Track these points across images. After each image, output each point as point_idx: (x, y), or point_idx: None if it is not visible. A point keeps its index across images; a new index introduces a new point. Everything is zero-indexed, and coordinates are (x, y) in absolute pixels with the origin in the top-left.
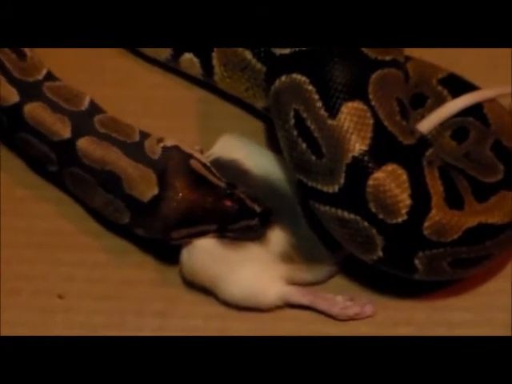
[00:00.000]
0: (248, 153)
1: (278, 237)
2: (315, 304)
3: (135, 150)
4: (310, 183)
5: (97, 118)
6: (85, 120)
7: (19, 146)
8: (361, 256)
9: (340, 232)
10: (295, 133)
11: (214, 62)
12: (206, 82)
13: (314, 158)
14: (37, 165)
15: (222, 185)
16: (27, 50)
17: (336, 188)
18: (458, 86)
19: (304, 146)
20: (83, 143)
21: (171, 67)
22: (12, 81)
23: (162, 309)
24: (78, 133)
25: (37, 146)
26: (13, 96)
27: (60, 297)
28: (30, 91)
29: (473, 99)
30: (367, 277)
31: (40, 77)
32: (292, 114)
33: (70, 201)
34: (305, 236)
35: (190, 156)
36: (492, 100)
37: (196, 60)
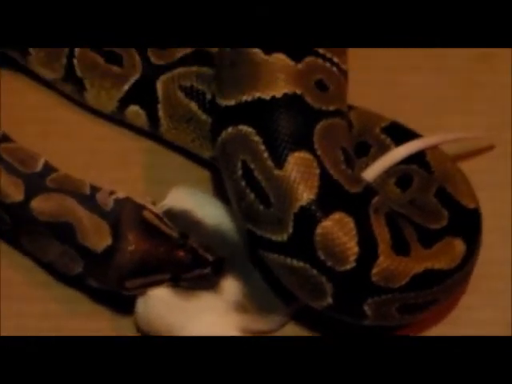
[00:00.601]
0: (199, 203)
1: (231, 286)
2: None
3: (88, 201)
4: (258, 232)
5: (50, 177)
6: (38, 181)
7: None
8: (311, 303)
9: (290, 280)
10: (243, 183)
11: (160, 113)
12: (152, 133)
13: (262, 207)
14: None
15: (175, 235)
16: None
17: (285, 237)
18: (400, 133)
19: (252, 195)
20: (37, 203)
21: (117, 119)
22: None
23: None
24: (31, 194)
25: None
26: None
27: None
28: None
29: (416, 147)
30: (318, 323)
31: None
32: (239, 164)
33: (17, 252)
34: (257, 286)
35: (143, 207)
36: (435, 147)
37: (142, 112)
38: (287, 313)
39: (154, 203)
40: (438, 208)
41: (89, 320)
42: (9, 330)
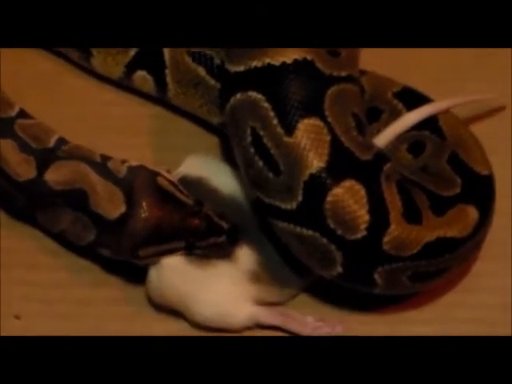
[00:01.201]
0: (215, 171)
1: (246, 255)
2: (286, 325)
3: (101, 168)
4: (267, 200)
5: (61, 149)
6: (49, 154)
7: None
8: (320, 272)
9: (299, 248)
10: (252, 150)
11: (168, 78)
12: (160, 99)
13: (271, 175)
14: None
15: (190, 202)
16: None
17: (294, 205)
18: (412, 99)
19: (261, 163)
20: (50, 174)
21: (124, 85)
22: None
23: (121, 328)
24: (43, 168)
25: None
26: None
27: (17, 317)
28: (1, 127)
29: (428, 112)
30: (327, 292)
31: (13, 113)
32: (249, 131)
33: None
34: (273, 256)
35: (157, 174)
36: (447, 112)
37: (149, 77)
38: (301, 285)
39: (168, 171)
40: (450, 175)
41: (93, 289)
42: (15, 300)
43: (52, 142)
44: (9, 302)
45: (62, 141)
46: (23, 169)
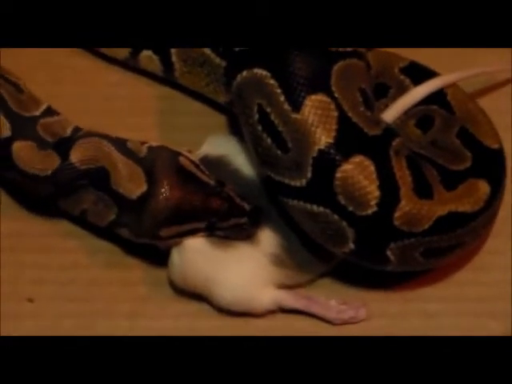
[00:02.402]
0: (237, 152)
1: (268, 238)
2: (309, 308)
3: (122, 146)
4: (276, 178)
5: (78, 134)
6: (68, 142)
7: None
8: (332, 249)
9: (310, 226)
10: (259, 128)
11: (174, 58)
12: (166, 79)
13: (279, 152)
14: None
15: (212, 182)
16: (21, 83)
17: (303, 182)
18: (419, 74)
19: (269, 140)
20: (75, 154)
21: (130, 65)
22: (7, 113)
23: (132, 309)
24: (65, 153)
25: (25, 182)
26: (4, 130)
27: (30, 300)
28: (23, 127)
29: (436, 85)
30: (338, 269)
31: (37, 112)
32: (255, 108)
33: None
34: (295, 240)
35: (179, 153)
36: (455, 87)
37: (155, 57)
38: (324, 269)
39: (189, 151)
40: (460, 149)
41: (104, 270)
42: (27, 284)
43: (68, 132)
44: (21, 286)
45: (77, 129)
46: (46, 164)
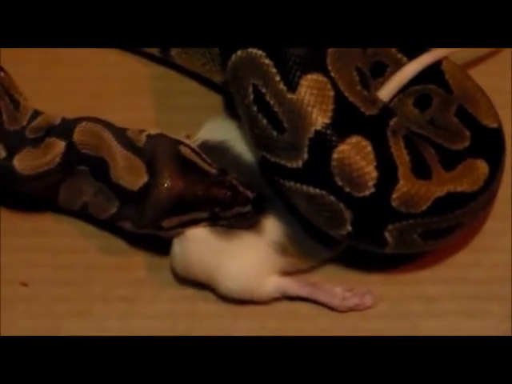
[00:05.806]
0: (238, 137)
1: (272, 226)
2: (314, 296)
3: (122, 136)
4: (272, 159)
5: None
6: (68, 125)
7: None
8: (330, 231)
9: (307, 208)
10: (255, 108)
11: None
12: (163, 59)
13: (275, 133)
14: None
15: (214, 171)
16: (21, 99)
17: (300, 163)
18: (416, 51)
19: (265, 121)
20: (77, 135)
21: None
22: (2, 136)
23: (129, 294)
24: (68, 136)
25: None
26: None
27: (24, 284)
28: (16, 141)
29: (428, 60)
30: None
31: (24, 122)
32: (251, 89)
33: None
34: (299, 227)
35: (179, 142)
36: (453, 65)
37: None
38: (328, 256)
39: (188, 136)
40: (459, 128)
41: (100, 254)
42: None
43: (58, 122)
44: (15, 270)
45: (64, 119)
46: (48, 158)
